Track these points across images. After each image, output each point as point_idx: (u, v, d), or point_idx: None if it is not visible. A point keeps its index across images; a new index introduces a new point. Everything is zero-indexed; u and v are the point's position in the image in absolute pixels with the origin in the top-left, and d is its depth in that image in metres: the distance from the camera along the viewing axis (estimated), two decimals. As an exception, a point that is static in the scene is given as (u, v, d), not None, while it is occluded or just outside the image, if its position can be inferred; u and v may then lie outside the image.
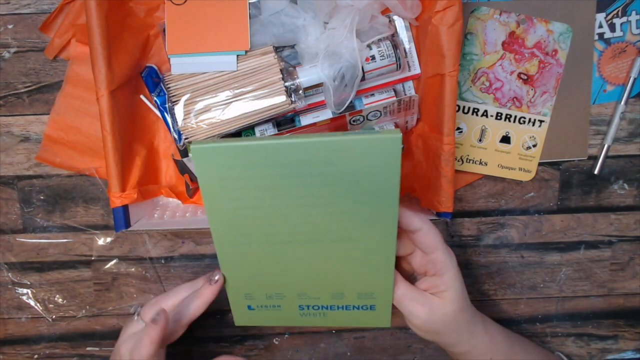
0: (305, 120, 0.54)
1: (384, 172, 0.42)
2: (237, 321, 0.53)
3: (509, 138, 0.58)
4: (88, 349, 0.62)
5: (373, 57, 0.51)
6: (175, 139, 0.52)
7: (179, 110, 0.50)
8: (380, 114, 0.52)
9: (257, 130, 0.54)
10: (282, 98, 0.50)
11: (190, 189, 0.56)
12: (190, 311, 0.50)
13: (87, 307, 0.61)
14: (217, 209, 0.44)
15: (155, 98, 0.53)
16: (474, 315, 0.50)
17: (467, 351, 0.50)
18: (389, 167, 0.41)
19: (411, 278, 0.51)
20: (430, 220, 0.51)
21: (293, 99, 0.50)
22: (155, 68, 0.54)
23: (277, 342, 0.63)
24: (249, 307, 0.52)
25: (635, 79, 0.57)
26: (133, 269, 0.60)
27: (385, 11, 0.53)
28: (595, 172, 0.60)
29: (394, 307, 0.49)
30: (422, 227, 0.45)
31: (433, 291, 0.48)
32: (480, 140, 0.58)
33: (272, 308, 0.52)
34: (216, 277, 0.49)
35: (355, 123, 0.53)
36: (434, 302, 0.47)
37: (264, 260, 0.47)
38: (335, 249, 0.46)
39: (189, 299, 0.50)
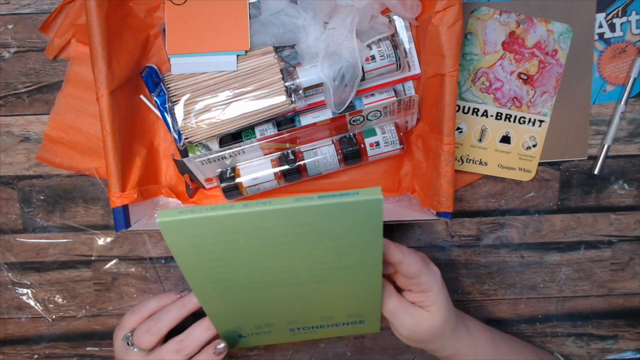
0: (305, 120, 0.54)
1: (366, 230, 0.39)
2: (230, 346, 0.53)
3: (509, 138, 0.58)
4: (88, 349, 0.62)
5: (373, 57, 0.51)
6: (175, 139, 0.52)
7: (179, 110, 0.50)
8: (380, 114, 0.52)
9: (257, 130, 0.54)
10: (282, 98, 0.50)
11: (190, 189, 0.56)
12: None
13: (87, 307, 0.61)
14: (192, 270, 0.42)
15: (155, 98, 0.53)
16: (457, 322, 0.52)
17: (452, 354, 0.52)
18: (371, 226, 0.39)
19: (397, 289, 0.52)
20: (430, 220, 0.51)
21: (293, 99, 0.50)
22: (155, 68, 0.54)
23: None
24: (240, 336, 0.52)
25: (635, 79, 0.57)
26: (133, 269, 0.60)
27: (385, 11, 0.53)
28: (595, 172, 0.60)
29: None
30: (403, 261, 0.46)
31: (419, 305, 0.49)
32: (480, 140, 0.58)
33: (263, 334, 0.52)
34: (220, 346, 0.51)
35: (355, 123, 0.53)
36: (423, 315, 0.49)
37: (248, 303, 0.46)
38: (320, 288, 0.45)
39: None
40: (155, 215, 0.55)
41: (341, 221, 0.38)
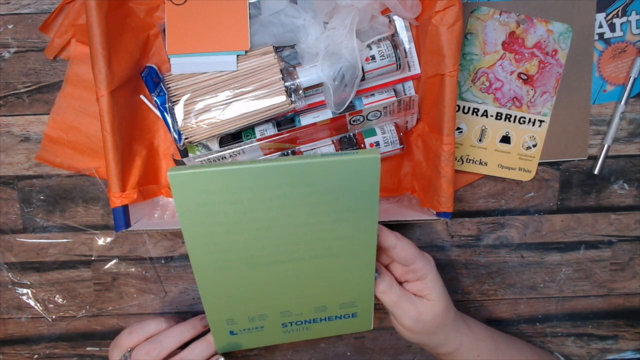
0: (305, 120, 0.54)
1: (363, 191, 0.42)
2: (220, 348, 0.52)
3: (509, 138, 0.58)
4: (88, 349, 0.62)
5: (373, 57, 0.51)
6: (175, 139, 0.52)
7: (179, 110, 0.50)
8: (380, 114, 0.52)
9: (257, 130, 0.54)
10: (282, 98, 0.50)
11: (190, 189, 0.56)
12: None
13: (87, 307, 0.61)
14: (195, 235, 0.43)
15: (155, 98, 0.53)
16: (457, 314, 0.52)
17: (455, 349, 0.52)
18: (368, 186, 0.42)
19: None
20: (430, 220, 0.51)
21: (293, 99, 0.50)
22: (155, 68, 0.54)
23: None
24: (231, 333, 0.51)
25: (635, 79, 0.57)
26: (133, 269, 0.60)
27: (385, 11, 0.53)
28: (595, 172, 0.60)
29: (382, 308, 0.50)
30: (396, 245, 0.47)
31: (419, 295, 0.50)
32: (480, 140, 0.58)
33: (255, 330, 0.51)
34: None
35: (355, 123, 0.53)
36: (425, 303, 0.49)
37: (244, 283, 0.47)
38: (316, 265, 0.46)
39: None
40: (156, 215, 0.55)
41: (341, 180, 0.41)
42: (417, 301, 0.49)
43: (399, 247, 0.47)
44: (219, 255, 0.44)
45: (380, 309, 0.50)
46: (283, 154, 0.54)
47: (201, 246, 0.44)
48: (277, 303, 0.49)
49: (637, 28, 0.57)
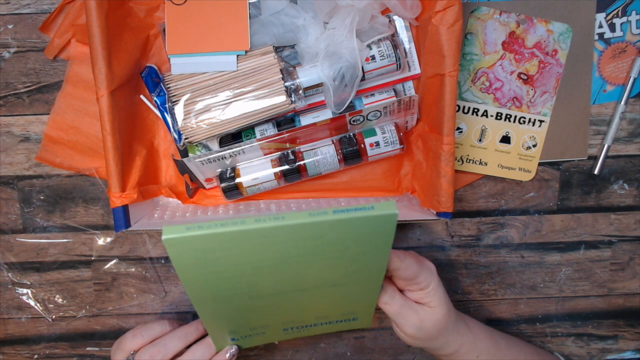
0: (305, 120, 0.54)
1: (378, 240, 0.39)
2: (220, 349, 0.52)
3: (509, 138, 0.58)
4: (88, 349, 0.62)
5: (373, 57, 0.51)
6: (175, 139, 0.52)
7: (179, 110, 0.50)
8: (380, 114, 0.52)
9: (257, 130, 0.54)
10: (282, 98, 0.50)
11: (190, 189, 0.56)
12: None
13: (87, 307, 0.61)
14: (195, 284, 0.41)
15: (155, 98, 0.53)
16: (457, 315, 0.53)
17: (455, 351, 0.52)
18: (383, 237, 0.39)
19: None
20: (430, 220, 0.51)
21: (293, 99, 0.50)
22: (155, 68, 0.54)
23: (277, 342, 0.63)
24: (233, 339, 0.51)
25: (635, 79, 0.57)
26: (133, 269, 0.60)
27: (385, 11, 0.53)
28: (595, 172, 0.60)
29: (383, 312, 0.50)
30: (400, 267, 0.47)
31: (420, 302, 0.50)
32: (480, 140, 0.58)
33: (257, 335, 0.51)
34: (232, 350, 0.52)
35: (355, 123, 0.53)
36: (427, 311, 0.50)
37: (246, 309, 0.46)
38: (320, 292, 0.45)
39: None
40: (156, 215, 0.55)
41: (354, 234, 0.38)
42: (420, 309, 0.50)
43: (403, 268, 0.47)
44: (220, 294, 0.43)
45: (380, 309, 0.50)
46: (283, 155, 0.54)
47: (201, 289, 0.42)
48: (278, 318, 0.49)
49: (637, 28, 0.57)
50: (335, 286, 0.45)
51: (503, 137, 0.58)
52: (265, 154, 0.54)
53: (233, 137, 0.54)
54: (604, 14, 0.56)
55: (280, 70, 0.50)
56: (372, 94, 0.54)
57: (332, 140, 0.54)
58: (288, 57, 0.52)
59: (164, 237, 0.35)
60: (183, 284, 0.41)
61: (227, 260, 0.39)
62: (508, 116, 0.58)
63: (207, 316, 0.46)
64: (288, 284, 0.43)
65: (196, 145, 0.53)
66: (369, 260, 0.42)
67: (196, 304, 0.44)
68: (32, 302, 0.61)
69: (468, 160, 0.59)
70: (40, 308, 0.61)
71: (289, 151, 0.54)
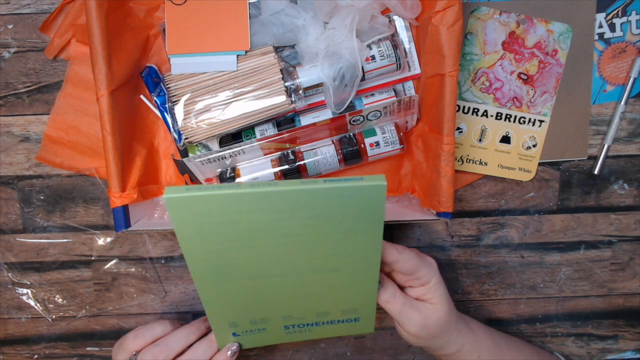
0: (305, 120, 0.54)
1: (368, 215, 0.40)
2: (222, 347, 0.52)
3: (509, 138, 0.58)
4: (88, 349, 0.62)
5: (373, 57, 0.51)
6: (175, 139, 0.52)
7: (179, 110, 0.50)
8: (380, 114, 0.52)
9: (257, 130, 0.54)
10: (282, 98, 0.50)
11: (190, 189, 0.56)
12: None
13: (87, 307, 0.61)
14: (194, 252, 0.42)
15: (155, 98, 0.53)
16: (458, 315, 0.53)
17: (456, 351, 0.52)
18: (373, 211, 0.40)
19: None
20: (430, 220, 0.51)
21: (293, 99, 0.50)
22: (155, 68, 0.54)
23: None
24: (234, 334, 0.51)
25: (635, 79, 0.57)
26: (133, 269, 0.60)
27: (385, 11, 0.53)
28: (595, 172, 0.60)
29: (383, 309, 0.50)
30: (399, 259, 0.47)
31: (422, 299, 0.50)
32: (480, 140, 0.58)
33: (258, 332, 0.51)
34: (234, 347, 0.51)
35: (355, 123, 0.53)
36: (429, 308, 0.49)
37: (246, 293, 0.46)
38: (318, 278, 0.46)
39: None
40: (156, 215, 0.55)
41: (344, 206, 0.39)
42: (421, 306, 0.49)
43: (401, 260, 0.47)
44: (219, 269, 0.44)
45: (380, 309, 0.50)
46: (283, 155, 0.54)
47: (201, 262, 0.43)
48: (279, 308, 0.49)
49: (637, 28, 0.57)
50: (331, 271, 0.45)
51: (503, 137, 0.58)
52: (265, 154, 0.54)
53: (233, 137, 0.54)
54: (604, 14, 0.56)
55: (280, 70, 0.50)
56: (372, 94, 0.54)
57: (332, 140, 0.54)
58: (288, 57, 0.52)
59: (165, 196, 0.37)
60: (184, 256, 0.42)
61: (223, 228, 0.40)
62: (508, 116, 0.58)
63: (209, 299, 0.47)
64: (285, 265, 0.44)
65: (196, 145, 0.53)
66: (362, 241, 0.42)
67: (197, 281, 0.45)
68: (32, 302, 0.61)
69: (468, 160, 0.59)
70: (40, 308, 0.61)
71: (289, 151, 0.54)
